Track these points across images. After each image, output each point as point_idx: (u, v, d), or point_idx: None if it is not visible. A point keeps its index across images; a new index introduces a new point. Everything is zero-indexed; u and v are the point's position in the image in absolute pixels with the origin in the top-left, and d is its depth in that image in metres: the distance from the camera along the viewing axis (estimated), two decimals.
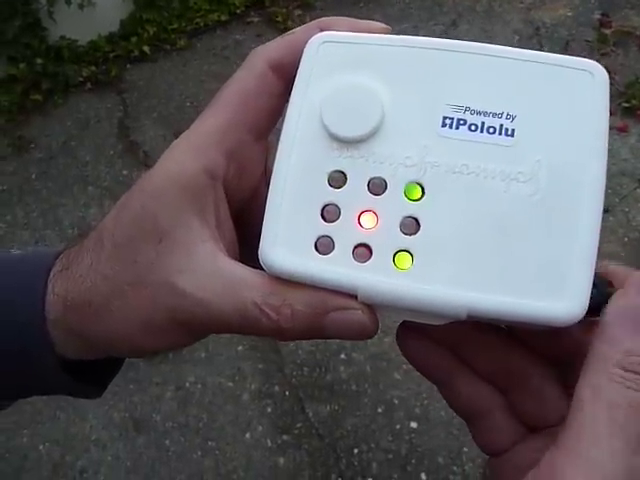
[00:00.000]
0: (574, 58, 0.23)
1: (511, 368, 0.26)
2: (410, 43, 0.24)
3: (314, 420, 1.41)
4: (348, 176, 0.23)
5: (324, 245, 0.23)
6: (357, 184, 0.23)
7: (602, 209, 0.22)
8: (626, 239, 1.68)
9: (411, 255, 0.22)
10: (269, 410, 1.44)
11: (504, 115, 0.23)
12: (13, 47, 2.31)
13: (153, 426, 1.44)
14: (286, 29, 2.44)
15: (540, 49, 2.28)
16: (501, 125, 0.23)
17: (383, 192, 0.23)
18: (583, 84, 0.23)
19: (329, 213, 0.23)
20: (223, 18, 2.57)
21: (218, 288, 0.24)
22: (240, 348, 1.55)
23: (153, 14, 2.54)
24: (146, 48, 2.48)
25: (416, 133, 0.23)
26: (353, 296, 0.23)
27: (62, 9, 2.35)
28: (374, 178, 0.23)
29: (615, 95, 2.04)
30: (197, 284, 0.24)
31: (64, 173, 2.09)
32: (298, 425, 1.41)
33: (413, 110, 0.23)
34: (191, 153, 0.25)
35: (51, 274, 0.27)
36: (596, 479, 0.19)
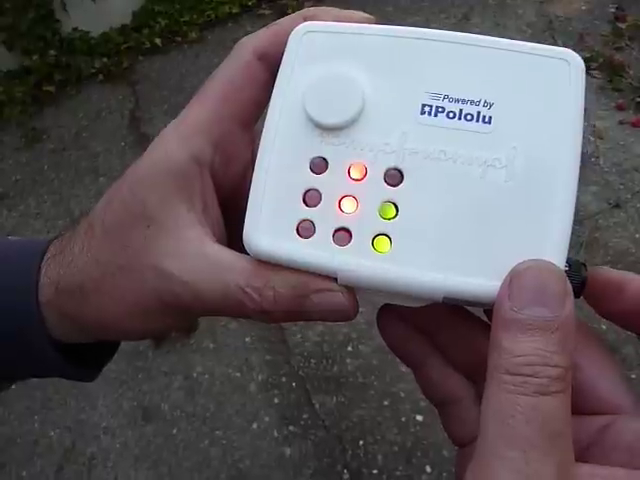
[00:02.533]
0: (551, 47, 0.24)
1: (483, 360, 0.26)
2: (391, 33, 0.25)
3: (320, 411, 1.42)
4: (329, 162, 0.24)
5: (305, 229, 0.23)
6: (338, 170, 0.24)
7: (576, 193, 0.22)
8: (637, 235, 1.67)
9: (390, 239, 0.23)
10: (276, 401, 1.45)
11: (482, 103, 0.23)
12: (26, 39, 2.33)
13: (161, 415, 1.46)
14: None
15: (553, 42, 2.26)
16: (479, 112, 0.23)
17: (363, 178, 0.23)
18: (559, 72, 0.23)
19: (310, 198, 0.24)
20: (234, 11, 2.57)
21: (204, 271, 0.24)
22: (248, 339, 1.56)
23: (165, 6, 2.55)
24: (158, 40, 2.49)
25: (395, 120, 0.24)
26: (333, 279, 0.23)
27: (75, 1, 2.37)
28: (354, 164, 0.23)
29: (629, 90, 2.02)
30: (184, 267, 0.24)
31: (76, 164, 2.11)
32: (304, 416, 1.42)
33: (393, 98, 0.24)
34: (178, 141, 0.26)
35: (44, 259, 0.28)
36: None
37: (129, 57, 2.46)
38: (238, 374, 1.51)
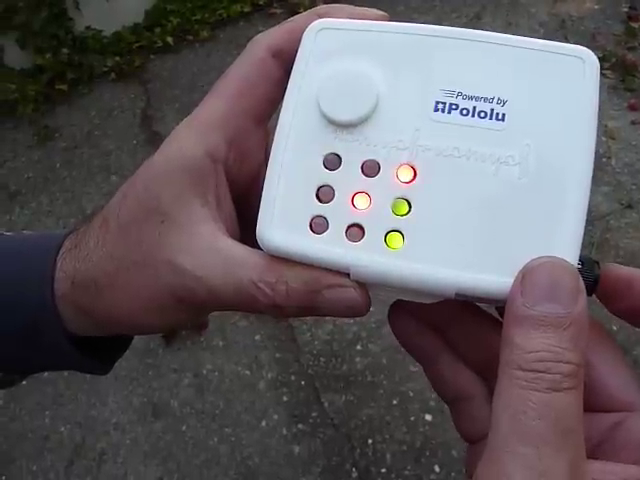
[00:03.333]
0: (566, 45, 0.24)
1: (495, 356, 0.26)
2: (405, 30, 0.25)
3: (329, 410, 1.42)
4: (343, 158, 0.24)
5: (318, 225, 0.24)
6: (351, 166, 0.24)
7: (589, 191, 0.22)
8: None
9: (402, 235, 0.23)
10: (285, 399, 1.45)
11: (495, 100, 0.23)
12: (40, 37, 2.35)
13: (171, 412, 1.47)
14: None
15: (566, 42, 2.22)
16: (492, 110, 0.23)
17: (376, 174, 0.23)
18: (574, 70, 0.23)
19: (324, 194, 0.24)
20: (246, 10, 2.57)
21: (217, 266, 0.24)
22: (257, 337, 1.56)
23: (177, 5, 2.56)
24: (169, 39, 2.49)
25: (409, 117, 0.24)
26: (346, 274, 0.23)
27: (88, 0, 2.38)
28: (367, 161, 0.24)
29: None
30: (197, 263, 0.25)
31: (88, 162, 2.13)
32: (313, 414, 1.42)
33: (407, 95, 0.24)
34: (193, 137, 0.26)
35: (60, 252, 0.28)
36: None
37: (141, 56, 2.47)
38: (247, 372, 1.51)
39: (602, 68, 2.03)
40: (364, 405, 1.42)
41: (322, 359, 1.51)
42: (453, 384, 0.27)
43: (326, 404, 1.43)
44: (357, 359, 1.49)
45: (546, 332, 0.20)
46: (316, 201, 0.24)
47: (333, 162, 0.24)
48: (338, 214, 0.23)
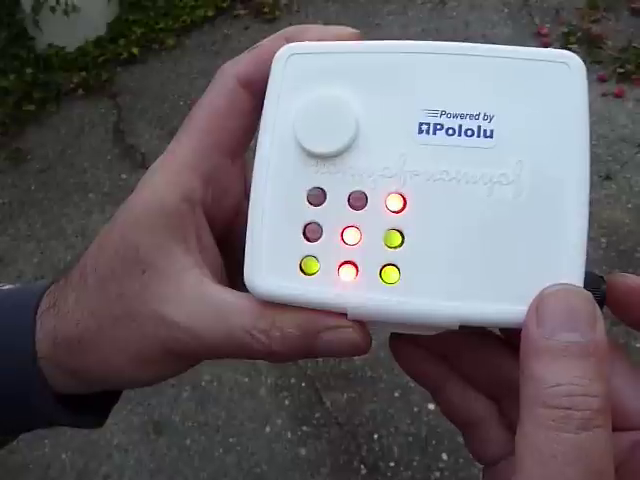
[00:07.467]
0: (549, 50, 0.23)
1: (503, 377, 0.25)
2: (380, 48, 0.23)
3: (332, 409, 1.42)
4: (327, 192, 0.23)
5: (309, 265, 0.22)
6: (337, 200, 0.22)
7: (588, 204, 0.21)
8: (630, 205, 1.67)
9: (398, 268, 0.22)
10: (287, 402, 1.45)
11: (481, 116, 0.22)
12: (1, 59, 2.31)
13: (173, 427, 1.45)
14: (274, 19, 2.42)
15: (530, 20, 2.25)
16: (479, 127, 0.22)
17: (364, 206, 0.22)
18: (560, 77, 0.22)
19: (311, 232, 0.22)
20: (210, 13, 2.55)
21: (207, 316, 0.23)
22: None
23: (139, 15, 2.53)
24: (135, 49, 2.46)
25: (393, 142, 0.22)
26: (343, 314, 0.22)
27: (47, 17, 2.34)
28: (354, 192, 0.22)
29: (609, 61, 2.02)
30: (185, 313, 0.23)
31: (63, 182, 2.09)
32: (317, 415, 1.42)
33: (388, 118, 0.23)
34: (167, 180, 0.25)
35: (39, 312, 0.27)
36: None
37: (107, 69, 2.43)
38: (246, 379, 1.50)
39: (568, 43, 2.04)
40: (366, 401, 1.42)
41: (320, 359, 1.50)
42: (463, 409, 0.26)
43: (328, 403, 1.43)
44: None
45: (569, 363, 0.18)
46: (304, 240, 0.22)
47: (317, 197, 0.23)
48: (328, 252, 0.22)
